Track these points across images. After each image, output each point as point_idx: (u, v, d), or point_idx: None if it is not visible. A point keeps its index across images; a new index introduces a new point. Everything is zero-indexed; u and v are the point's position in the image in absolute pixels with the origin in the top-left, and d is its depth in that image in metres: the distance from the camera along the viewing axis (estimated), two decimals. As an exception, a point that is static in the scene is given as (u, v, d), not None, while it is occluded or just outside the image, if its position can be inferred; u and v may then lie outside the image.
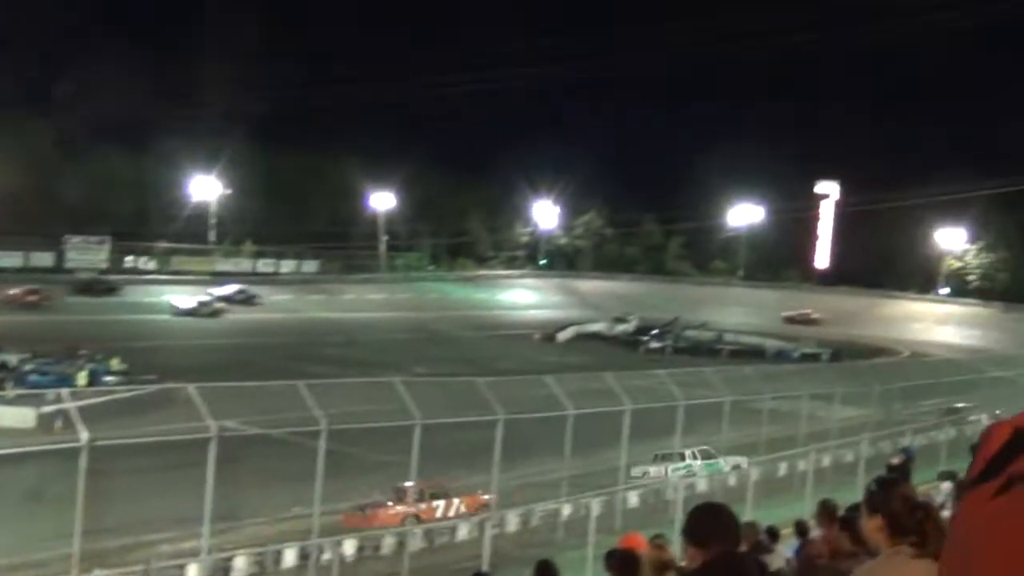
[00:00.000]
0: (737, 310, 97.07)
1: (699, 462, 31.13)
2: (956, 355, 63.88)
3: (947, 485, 18.61)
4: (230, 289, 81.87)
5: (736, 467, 30.60)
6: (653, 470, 30.92)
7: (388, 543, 22.78)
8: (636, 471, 30.36)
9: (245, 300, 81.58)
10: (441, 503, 26.23)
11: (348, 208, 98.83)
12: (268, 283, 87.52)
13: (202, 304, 77.15)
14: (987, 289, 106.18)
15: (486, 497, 26.29)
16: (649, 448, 31.38)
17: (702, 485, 27.91)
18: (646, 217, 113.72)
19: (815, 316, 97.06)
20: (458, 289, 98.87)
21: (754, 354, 73.98)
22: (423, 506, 25.79)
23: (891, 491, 4.37)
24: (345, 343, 64.24)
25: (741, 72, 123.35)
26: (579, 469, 28.58)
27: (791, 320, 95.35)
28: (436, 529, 23.58)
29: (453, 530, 23.51)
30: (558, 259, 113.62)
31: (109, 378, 44.08)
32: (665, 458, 31.35)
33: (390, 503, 25.69)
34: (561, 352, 69.51)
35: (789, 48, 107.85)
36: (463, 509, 26.13)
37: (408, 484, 25.38)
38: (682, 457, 31.21)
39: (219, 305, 78.34)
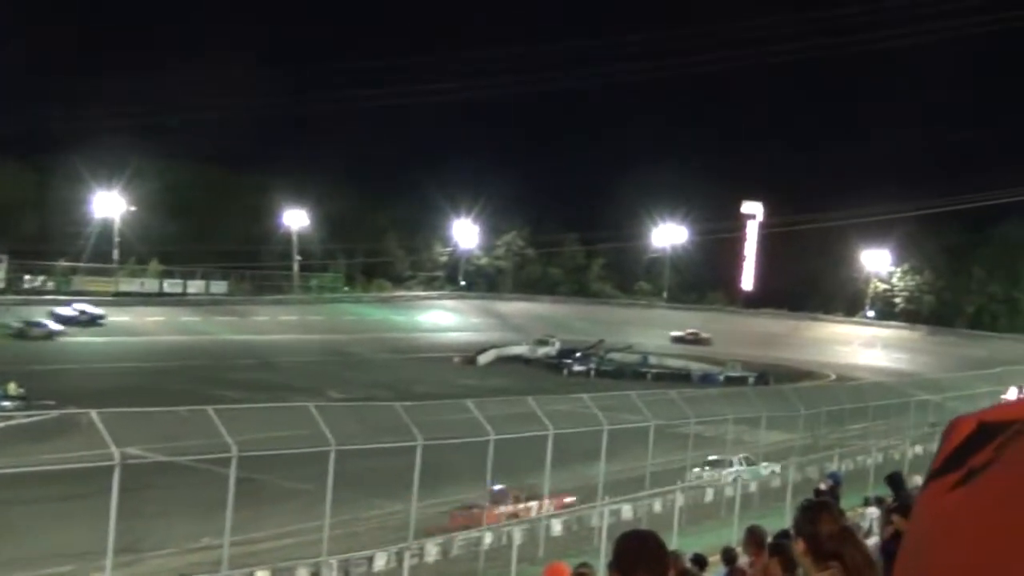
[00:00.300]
0: (662, 332, 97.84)
1: (744, 467, 35.06)
2: (883, 378, 64.98)
3: (873, 510, 18.90)
4: (72, 310, 76.39)
5: (772, 472, 34.69)
6: (707, 475, 34.41)
7: (301, 575, 22.51)
8: (691, 475, 33.63)
9: (88, 322, 75.94)
10: (534, 503, 29.05)
11: (260, 226, 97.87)
12: (175, 304, 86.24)
13: (29, 325, 71.30)
14: (913, 312, 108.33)
15: (569, 499, 29.92)
16: (572, 475, 31.45)
17: (627, 512, 28.03)
18: (568, 237, 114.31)
19: (704, 336, 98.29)
20: (375, 310, 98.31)
21: (679, 377, 74.73)
22: (520, 506, 28.91)
23: (814, 514, 4.45)
24: (256, 366, 63.56)
25: (665, 91, 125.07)
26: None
27: (680, 340, 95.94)
28: (353, 560, 23.36)
29: (370, 561, 23.30)
30: (478, 280, 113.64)
31: (6, 403, 43.11)
32: (716, 464, 35.29)
33: (489, 504, 28.01)
34: (482, 375, 69.49)
35: (714, 67, 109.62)
36: (552, 509, 28.88)
37: (500, 487, 28.61)
38: (731, 464, 35.16)
39: (55, 327, 72.40)
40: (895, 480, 15.06)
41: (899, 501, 13.53)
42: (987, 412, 0.88)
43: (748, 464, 35.62)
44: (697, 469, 34.72)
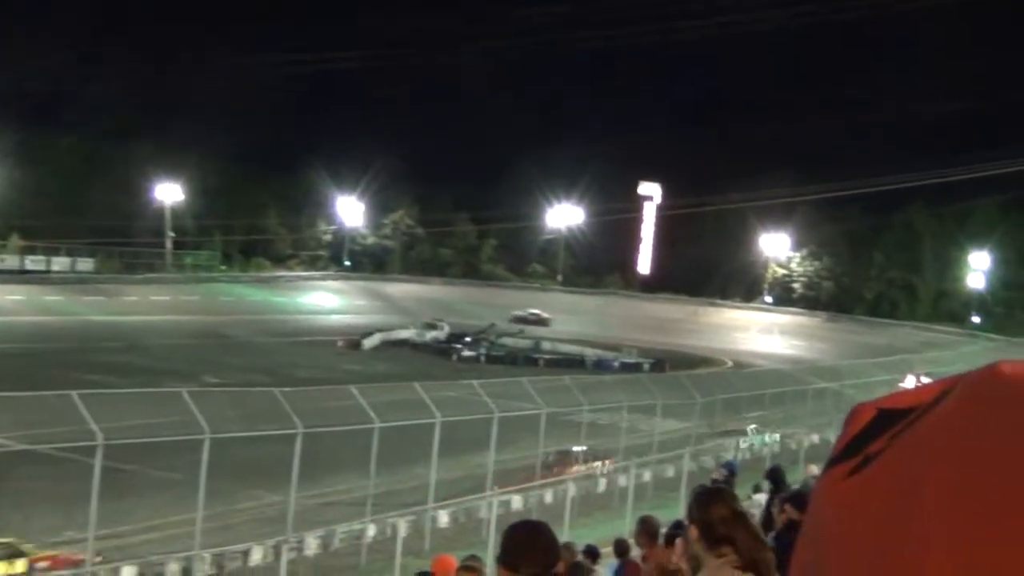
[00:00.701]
0: (555, 317, 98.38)
1: (756, 437, 39.37)
2: (780, 365, 66.24)
3: (761, 496, 19.23)
4: None
5: (778, 440, 39.26)
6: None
7: (172, 570, 22.20)
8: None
9: None
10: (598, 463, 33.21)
11: (130, 200, 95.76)
12: (38, 282, 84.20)
13: None
14: (812, 298, 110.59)
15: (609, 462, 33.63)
16: (461, 464, 31.51)
17: (517, 503, 28.16)
18: (460, 217, 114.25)
19: (545, 316, 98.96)
20: (253, 291, 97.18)
21: (573, 363, 75.18)
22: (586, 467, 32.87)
23: (707, 500, 4.53)
24: (125, 349, 62.37)
25: (562, 67, 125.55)
26: (386, 486, 28.50)
27: (521, 319, 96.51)
28: (227, 554, 23.10)
29: (246, 554, 23.08)
30: (364, 260, 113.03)
31: None
32: (730, 434, 39.19)
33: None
34: (367, 360, 69.14)
35: (612, 43, 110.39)
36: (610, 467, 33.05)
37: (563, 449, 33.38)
38: (745, 433, 39.41)
39: None
40: (775, 474, 15.41)
41: (782, 493, 13.85)
42: (886, 399, 0.90)
43: (757, 433, 39.94)
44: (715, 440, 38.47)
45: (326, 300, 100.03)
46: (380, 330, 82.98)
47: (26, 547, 22.70)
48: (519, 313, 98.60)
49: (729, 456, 33.05)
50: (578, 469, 32.39)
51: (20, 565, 22.44)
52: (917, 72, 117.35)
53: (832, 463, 0.87)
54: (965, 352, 66.69)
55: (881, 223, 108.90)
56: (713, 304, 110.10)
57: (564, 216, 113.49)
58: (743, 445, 38.28)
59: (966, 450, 0.72)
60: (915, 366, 55.35)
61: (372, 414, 26.18)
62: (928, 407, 0.82)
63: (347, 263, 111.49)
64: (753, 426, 40.80)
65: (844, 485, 0.83)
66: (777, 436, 39.96)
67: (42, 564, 22.30)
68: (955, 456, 0.73)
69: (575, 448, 34.88)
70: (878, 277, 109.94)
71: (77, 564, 21.80)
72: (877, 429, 0.85)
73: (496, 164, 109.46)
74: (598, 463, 33.56)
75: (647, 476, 32.36)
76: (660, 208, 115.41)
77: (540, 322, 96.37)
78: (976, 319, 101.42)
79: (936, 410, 0.80)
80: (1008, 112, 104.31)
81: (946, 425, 0.77)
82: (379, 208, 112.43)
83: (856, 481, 0.82)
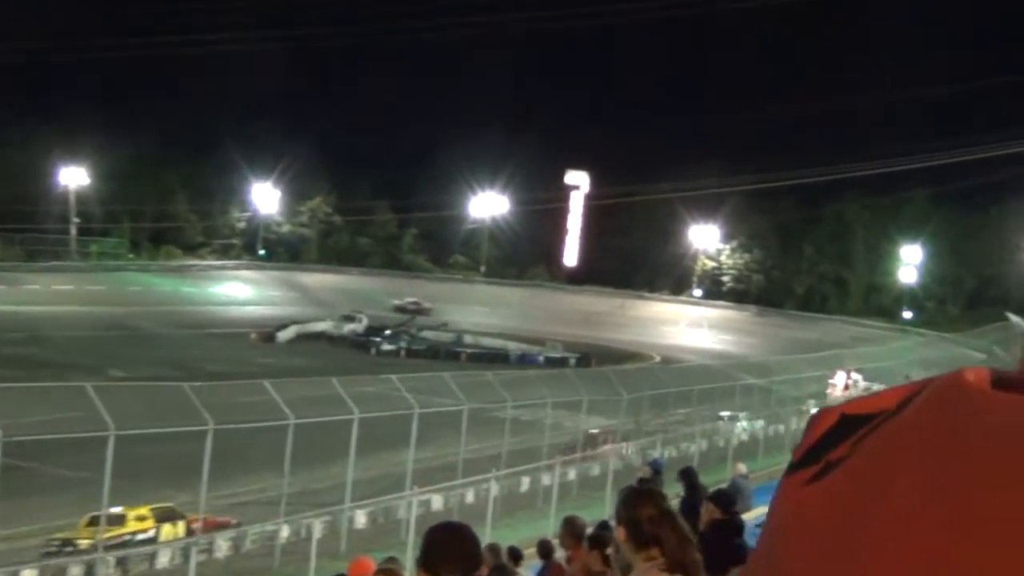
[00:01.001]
0: (479, 310, 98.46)
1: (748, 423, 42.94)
2: (709, 361, 66.87)
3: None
4: None
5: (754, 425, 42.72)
6: (722, 426, 41.67)
7: (74, 573, 21.92)
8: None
9: None
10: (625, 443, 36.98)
11: (32, 184, 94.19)
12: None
13: None
14: (741, 291, 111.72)
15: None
16: (379, 462, 31.44)
17: (437, 503, 28.17)
18: (379, 204, 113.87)
19: (426, 305, 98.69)
20: (162, 281, 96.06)
21: (496, 358, 75.33)
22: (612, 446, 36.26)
23: (635, 499, 4.57)
24: (27, 341, 61.35)
25: (489, 50, 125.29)
26: (300, 485, 28.35)
27: (400, 309, 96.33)
28: (131, 556, 22.86)
29: (153, 556, 22.85)
30: (279, 249, 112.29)
31: None
32: (730, 419, 42.47)
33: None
34: (281, 354, 68.72)
35: (541, 27, 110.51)
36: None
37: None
38: (738, 419, 42.84)
39: None
40: (688, 475, 15.59)
41: (692, 496, 14.02)
42: (849, 404, 0.90)
43: (748, 420, 43.18)
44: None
45: (239, 290, 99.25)
46: (296, 322, 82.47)
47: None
48: (398, 302, 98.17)
49: (655, 454, 33.31)
50: (607, 448, 35.66)
51: (181, 527, 25.80)
52: (850, 61, 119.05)
53: (792, 469, 0.87)
54: (896, 348, 67.88)
55: (812, 215, 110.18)
56: (641, 297, 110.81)
57: (488, 205, 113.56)
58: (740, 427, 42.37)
59: (930, 457, 0.74)
60: (846, 362, 56.21)
61: (287, 410, 26.02)
62: (891, 413, 0.83)
63: (261, 252, 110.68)
64: (726, 413, 42.94)
65: (804, 492, 0.83)
66: (760, 423, 43.28)
67: (196, 525, 24.80)
68: (920, 463, 0.75)
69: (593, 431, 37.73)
70: (809, 271, 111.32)
71: (224, 526, 24.98)
72: (839, 435, 0.85)
73: (418, 151, 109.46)
74: (623, 444, 36.73)
75: (572, 475, 32.51)
76: (587, 198, 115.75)
77: (420, 311, 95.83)
78: (907, 314, 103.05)
79: (900, 416, 0.81)
80: (941, 104, 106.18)
81: (910, 432, 0.78)
82: (295, 195, 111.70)
83: (817, 488, 0.82)
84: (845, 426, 0.85)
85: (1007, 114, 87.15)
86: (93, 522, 23.25)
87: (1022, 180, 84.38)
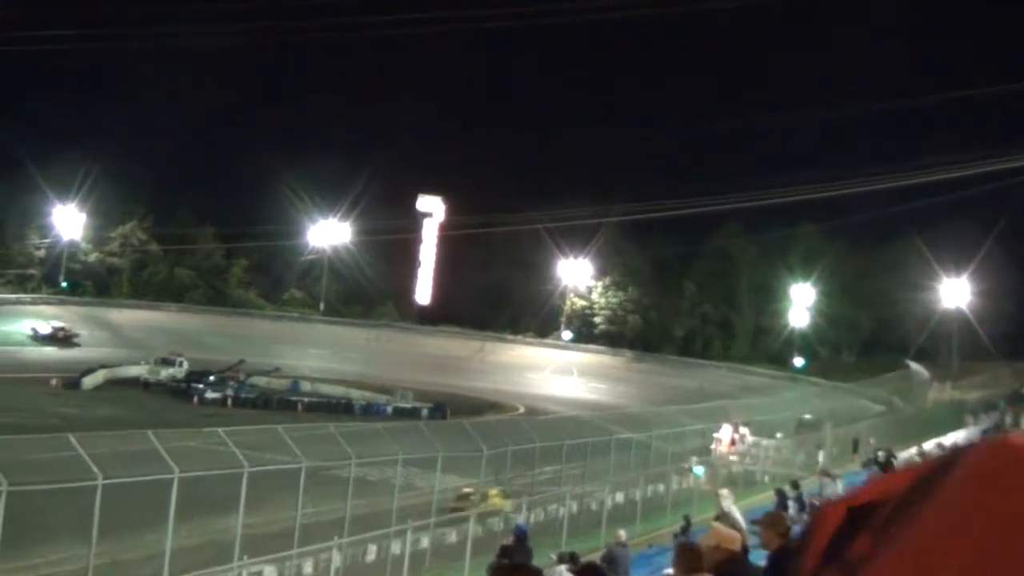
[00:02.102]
0: (317, 353, 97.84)
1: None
2: (579, 412, 67.21)
3: (562, 569, 19.38)
4: None
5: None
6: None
7: None
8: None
9: None
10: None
11: None
12: None
13: None
14: (615, 334, 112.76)
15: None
16: (203, 528, 30.86)
17: (270, 574, 27.73)
18: (203, 232, 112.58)
19: (73, 332, 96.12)
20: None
21: (338, 408, 74.83)
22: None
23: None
24: None
25: (330, 63, 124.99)
26: (110, 556, 27.67)
27: (44, 338, 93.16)
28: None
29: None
30: (86, 281, 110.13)
31: None
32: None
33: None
34: (88, 402, 67.24)
35: (391, 37, 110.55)
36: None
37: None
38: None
39: None
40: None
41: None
42: (850, 497, 0.91)
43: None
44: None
45: (38, 329, 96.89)
46: (104, 366, 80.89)
47: None
48: (41, 331, 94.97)
49: (519, 519, 33.30)
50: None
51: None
52: (735, 81, 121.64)
53: (816, 572, 0.87)
54: (787, 398, 69.12)
55: (694, 250, 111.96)
56: (502, 340, 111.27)
57: (329, 234, 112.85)
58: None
59: (994, 546, 0.71)
60: (732, 414, 56.95)
61: (95, 468, 25.36)
62: (914, 497, 0.80)
63: (64, 284, 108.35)
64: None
65: None
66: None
67: None
68: (980, 553, 0.71)
69: None
70: (690, 311, 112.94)
71: None
72: (853, 529, 0.85)
73: (250, 172, 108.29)
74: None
75: (425, 542, 32.30)
76: (442, 227, 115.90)
77: (68, 340, 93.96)
78: (798, 361, 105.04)
79: (937, 500, 0.79)
80: (834, 130, 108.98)
81: (956, 518, 0.75)
82: (105, 219, 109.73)
83: None
84: (856, 519, 0.87)
85: (906, 142, 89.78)
86: None
87: (922, 213, 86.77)
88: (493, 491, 38.18)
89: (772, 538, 8.73)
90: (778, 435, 55.94)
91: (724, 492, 24.42)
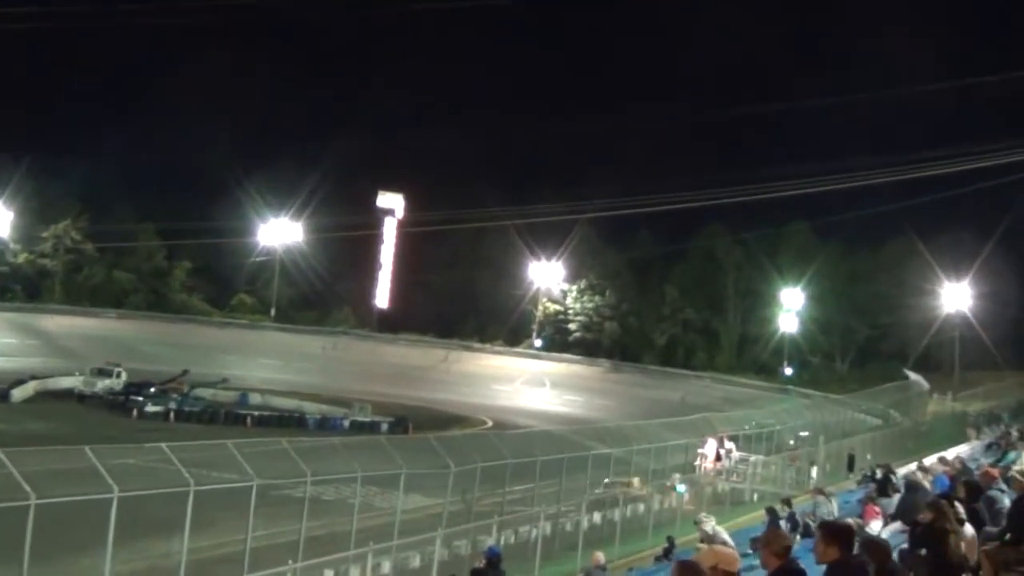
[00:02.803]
0: (268, 363, 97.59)
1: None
2: (552, 426, 67.23)
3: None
4: None
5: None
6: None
7: None
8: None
9: None
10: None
11: None
12: None
13: None
14: (591, 342, 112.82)
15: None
16: (146, 551, 30.73)
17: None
18: (143, 229, 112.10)
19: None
20: None
21: (291, 422, 74.73)
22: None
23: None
24: None
25: (281, 49, 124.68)
26: (42, 584, 27.50)
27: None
28: None
29: None
30: (14, 285, 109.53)
31: None
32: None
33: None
34: (17, 417, 66.83)
35: (343, 22, 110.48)
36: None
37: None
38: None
39: None
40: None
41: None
42: None
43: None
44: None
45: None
46: (35, 377, 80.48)
47: None
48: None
49: (491, 541, 33.25)
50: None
51: None
52: (720, 66, 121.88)
53: None
54: (777, 411, 69.10)
55: (676, 251, 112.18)
56: (468, 348, 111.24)
57: (280, 233, 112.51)
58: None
59: None
60: (717, 428, 57.05)
61: (27, 487, 25.19)
62: None
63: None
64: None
65: None
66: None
67: None
68: None
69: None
70: (671, 317, 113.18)
71: None
72: None
73: (193, 165, 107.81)
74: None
75: (386, 567, 32.23)
76: (403, 225, 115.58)
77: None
78: (788, 371, 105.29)
79: None
80: (825, 121, 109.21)
81: None
82: (34, 217, 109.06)
83: None
84: None
85: (905, 135, 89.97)
86: None
87: (922, 211, 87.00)
88: (635, 478, 43.98)
89: (769, 558, 8.67)
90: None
91: (703, 516, 24.40)
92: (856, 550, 9.00)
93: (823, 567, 8.54)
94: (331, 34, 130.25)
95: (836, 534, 8.86)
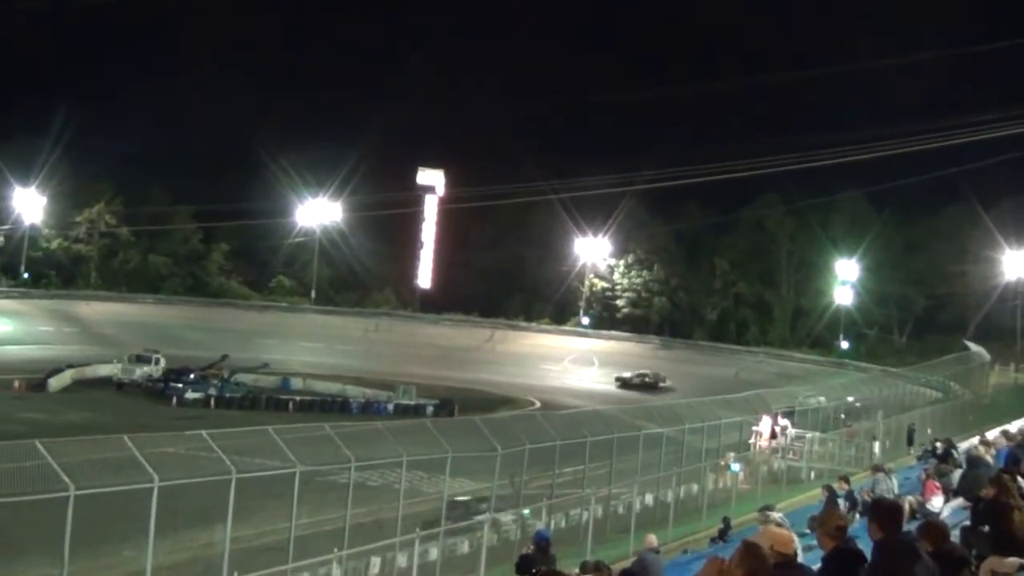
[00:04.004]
0: (309, 346, 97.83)
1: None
2: (601, 405, 67.13)
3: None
4: None
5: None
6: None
7: None
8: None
9: None
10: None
11: None
12: None
13: None
14: (640, 318, 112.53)
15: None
16: (186, 541, 30.89)
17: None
18: (179, 211, 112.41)
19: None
20: None
21: (334, 407, 74.86)
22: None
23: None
24: None
25: (311, 28, 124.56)
26: (84, 574, 27.69)
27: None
28: None
29: None
30: (49, 272, 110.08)
31: None
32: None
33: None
34: (55, 406, 67.30)
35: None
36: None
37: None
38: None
39: None
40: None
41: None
42: None
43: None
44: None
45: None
46: (72, 365, 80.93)
47: None
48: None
49: (539, 525, 33.26)
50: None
51: None
52: (764, 32, 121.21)
53: None
54: (832, 386, 68.73)
55: (725, 222, 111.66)
56: (514, 327, 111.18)
57: (318, 213, 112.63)
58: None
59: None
60: (771, 404, 56.81)
61: (65, 478, 25.34)
62: None
63: (25, 275, 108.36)
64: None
65: None
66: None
67: None
68: None
69: None
70: (722, 291, 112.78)
71: None
72: None
73: (229, 145, 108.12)
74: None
75: (433, 553, 32.30)
76: (444, 202, 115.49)
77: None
78: (844, 344, 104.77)
79: None
80: (877, 84, 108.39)
81: None
82: (68, 202, 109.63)
83: None
84: None
85: (961, 96, 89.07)
86: None
87: (981, 175, 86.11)
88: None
89: (824, 539, 8.65)
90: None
91: (767, 512, 24.24)
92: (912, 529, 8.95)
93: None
94: (367, 8, 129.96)
95: (881, 513, 8.86)
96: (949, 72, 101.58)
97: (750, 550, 7.57)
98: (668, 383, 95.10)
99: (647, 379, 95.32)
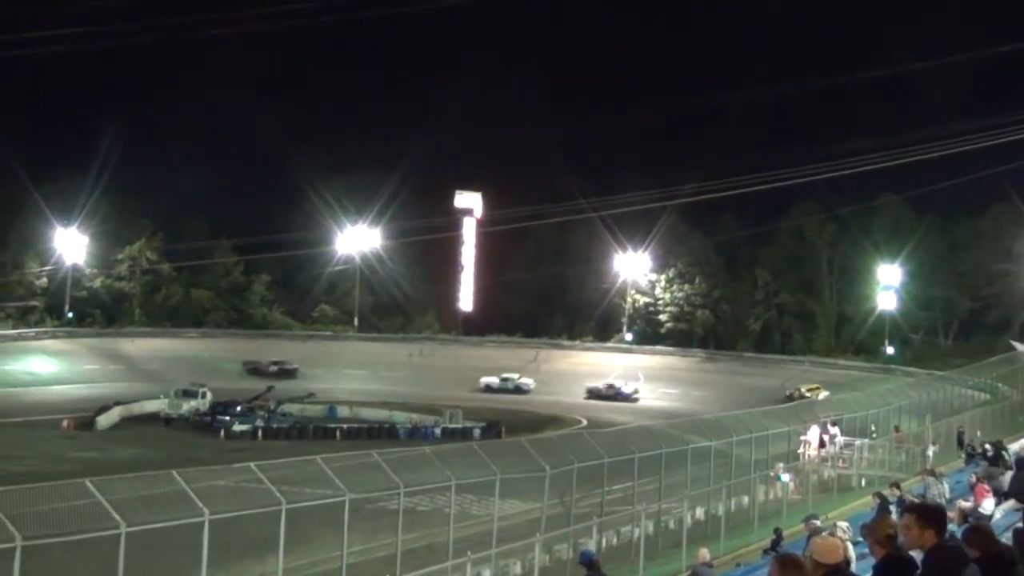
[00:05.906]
0: (354, 373, 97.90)
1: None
2: (649, 421, 66.95)
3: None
4: None
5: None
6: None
7: None
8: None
9: None
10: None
11: None
12: None
13: None
14: (683, 332, 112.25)
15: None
16: (238, 572, 30.93)
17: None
18: (219, 245, 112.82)
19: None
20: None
21: (381, 433, 74.95)
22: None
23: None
24: None
25: (348, 55, 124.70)
26: (138, 612, 27.77)
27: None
28: None
29: None
30: (93, 311, 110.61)
31: None
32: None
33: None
34: (104, 444, 67.61)
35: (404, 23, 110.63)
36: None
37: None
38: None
39: None
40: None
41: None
42: None
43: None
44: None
45: (42, 366, 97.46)
46: (120, 402, 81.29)
47: None
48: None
49: (591, 544, 33.17)
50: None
51: None
52: (796, 37, 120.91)
53: None
54: (880, 392, 68.36)
55: (764, 233, 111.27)
56: (558, 346, 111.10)
57: (358, 240, 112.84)
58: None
59: None
60: (819, 412, 56.55)
61: (116, 516, 25.44)
62: None
63: (70, 315, 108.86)
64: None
65: None
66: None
67: None
68: None
69: None
70: (765, 301, 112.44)
71: None
72: None
73: (266, 176, 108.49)
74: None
75: (486, 575, 32.25)
76: (482, 224, 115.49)
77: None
78: (890, 349, 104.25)
79: None
80: (914, 84, 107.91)
81: None
82: (109, 239, 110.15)
83: None
84: None
85: (1000, 94, 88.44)
86: None
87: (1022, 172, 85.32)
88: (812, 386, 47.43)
89: (874, 547, 8.62)
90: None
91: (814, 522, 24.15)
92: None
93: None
94: (401, 34, 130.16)
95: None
96: (985, 71, 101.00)
97: (783, 563, 7.56)
98: (637, 393, 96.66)
99: (615, 388, 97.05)
